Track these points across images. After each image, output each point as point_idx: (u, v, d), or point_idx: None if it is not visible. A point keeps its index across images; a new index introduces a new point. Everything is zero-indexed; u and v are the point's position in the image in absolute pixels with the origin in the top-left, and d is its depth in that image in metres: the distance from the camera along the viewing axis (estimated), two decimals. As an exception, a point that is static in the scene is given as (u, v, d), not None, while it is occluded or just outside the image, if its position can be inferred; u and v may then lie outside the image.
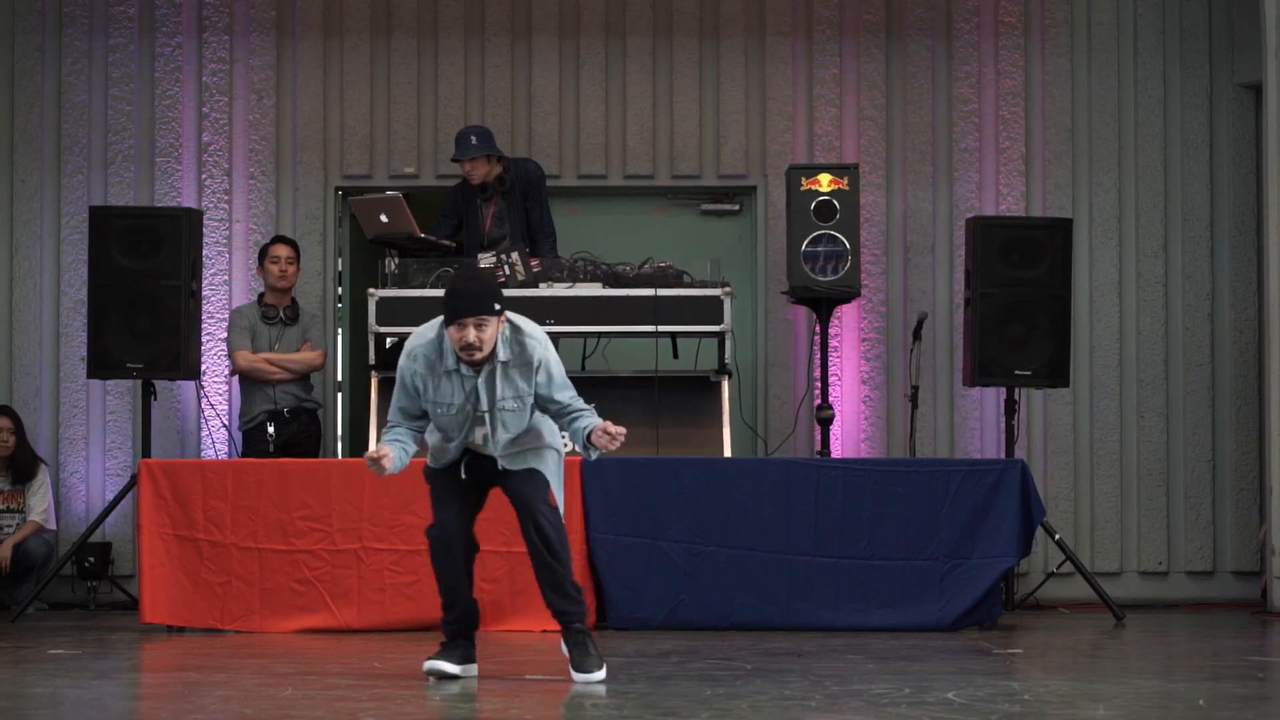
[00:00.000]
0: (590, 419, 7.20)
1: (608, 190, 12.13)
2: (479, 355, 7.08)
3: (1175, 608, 11.60)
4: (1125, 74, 12.07)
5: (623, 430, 7.13)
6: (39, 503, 11.31)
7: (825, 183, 10.77)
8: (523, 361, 7.16)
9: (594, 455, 7.25)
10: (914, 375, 11.21)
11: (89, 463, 11.77)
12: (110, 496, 11.24)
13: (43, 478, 11.37)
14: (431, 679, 7.22)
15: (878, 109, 12.00)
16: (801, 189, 10.77)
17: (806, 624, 9.70)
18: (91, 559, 11.23)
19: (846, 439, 11.73)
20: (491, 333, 7.08)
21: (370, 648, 8.64)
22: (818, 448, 11.02)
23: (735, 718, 6.05)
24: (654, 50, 12.05)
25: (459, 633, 7.39)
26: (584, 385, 10.74)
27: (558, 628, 9.56)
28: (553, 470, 7.32)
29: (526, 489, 7.21)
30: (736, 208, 12.19)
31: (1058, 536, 10.71)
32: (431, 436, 7.32)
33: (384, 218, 10.81)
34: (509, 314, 7.20)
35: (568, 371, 7.31)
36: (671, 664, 7.84)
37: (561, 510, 7.32)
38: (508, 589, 9.62)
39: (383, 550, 9.70)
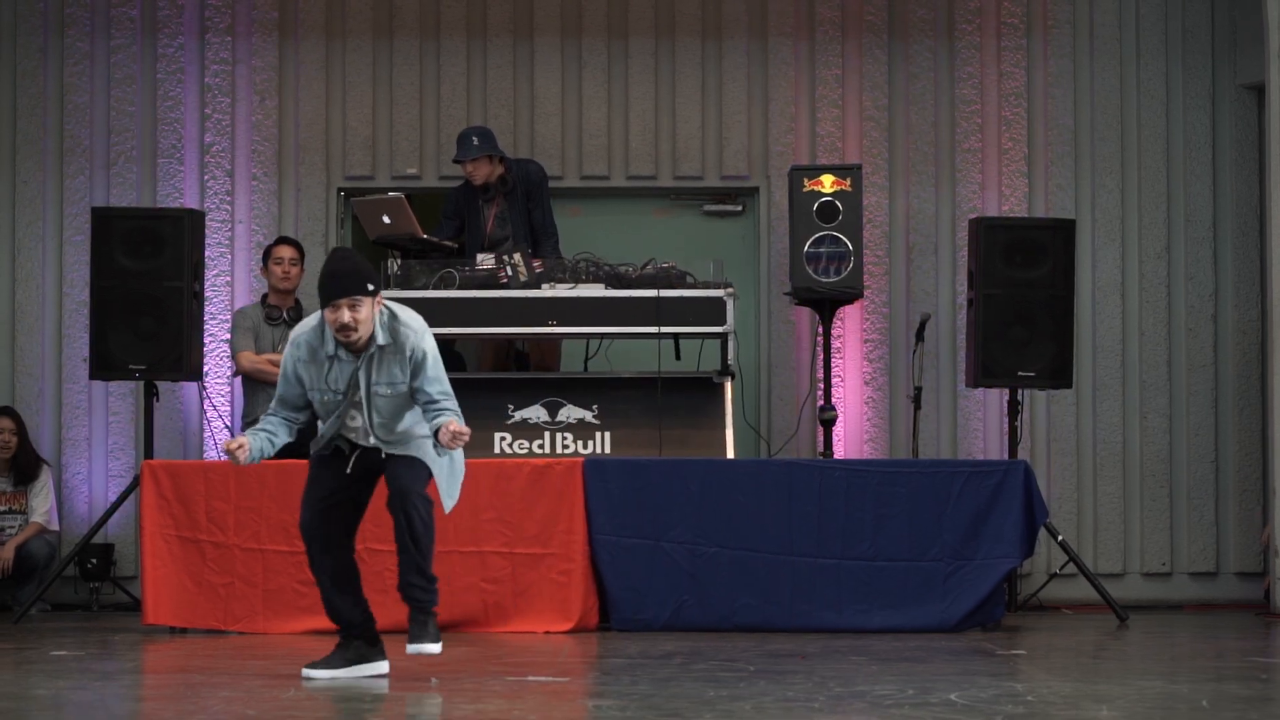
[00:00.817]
0: (446, 417, 7.14)
1: (610, 191, 12.12)
2: (355, 336, 7.13)
3: (1178, 609, 11.59)
4: (1128, 75, 12.06)
5: (467, 432, 7.09)
6: (41, 504, 11.30)
7: (828, 184, 10.76)
8: (398, 349, 7.19)
9: (443, 454, 7.28)
10: (917, 376, 11.20)
11: (91, 464, 11.77)
12: (113, 498, 11.23)
13: (45, 479, 11.37)
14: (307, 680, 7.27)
15: (880, 110, 11.99)
16: (804, 190, 10.76)
17: (809, 625, 9.69)
18: (94, 560, 11.22)
19: (849, 440, 11.72)
20: (366, 313, 7.13)
21: (373, 649, 8.62)
22: (820, 449, 11.02)
23: (738, 719, 6.04)
24: (656, 51, 12.04)
25: (349, 634, 7.41)
26: (586, 386, 10.86)
27: (561, 629, 9.63)
28: (440, 462, 7.30)
29: (405, 477, 7.20)
30: (739, 209, 12.19)
31: (1061, 538, 10.70)
32: (321, 425, 7.35)
33: (386, 219, 10.81)
34: (390, 303, 7.27)
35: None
36: (675, 665, 7.83)
37: (452, 505, 7.33)
38: (510, 589, 9.62)
39: (384, 551, 9.59)
